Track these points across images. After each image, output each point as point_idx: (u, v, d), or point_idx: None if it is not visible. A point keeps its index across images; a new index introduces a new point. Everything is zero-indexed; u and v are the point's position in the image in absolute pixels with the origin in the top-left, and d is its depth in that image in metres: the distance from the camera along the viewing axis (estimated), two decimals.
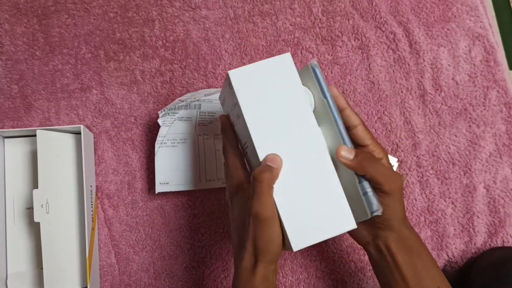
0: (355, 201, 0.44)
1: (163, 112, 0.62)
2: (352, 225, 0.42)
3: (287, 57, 0.45)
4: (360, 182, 0.44)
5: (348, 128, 0.47)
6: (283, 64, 0.45)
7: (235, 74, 0.45)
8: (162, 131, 0.62)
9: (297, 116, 0.44)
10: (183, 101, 0.62)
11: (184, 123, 0.64)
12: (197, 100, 0.63)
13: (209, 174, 0.64)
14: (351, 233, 0.49)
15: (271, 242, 0.43)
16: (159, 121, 0.62)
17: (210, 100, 0.64)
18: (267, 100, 0.44)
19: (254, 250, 0.44)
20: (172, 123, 0.63)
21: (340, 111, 0.47)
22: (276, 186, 0.43)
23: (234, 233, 0.48)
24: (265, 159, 0.43)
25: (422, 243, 0.48)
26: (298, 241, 0.42)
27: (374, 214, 0.43)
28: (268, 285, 0.44)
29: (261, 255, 0.43)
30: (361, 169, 0.44)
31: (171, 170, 0.63)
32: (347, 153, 0.44)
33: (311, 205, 0.43)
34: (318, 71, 0.46)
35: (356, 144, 0.48)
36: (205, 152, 0.64)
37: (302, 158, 0.43)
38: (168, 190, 0.62)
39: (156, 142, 0.62)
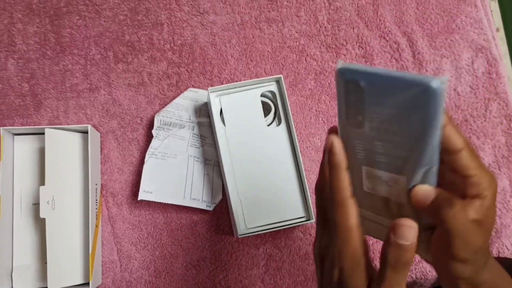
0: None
1: (159, 117, 0.65)
2: None
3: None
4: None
5: (448, 153, 0.33)
6: None
7: None
8: (154, 144, 0.65)
9: None
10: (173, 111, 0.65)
11: (178, 140, 0.66)
12: (192, 122, 0.66)
13: (194, 194, 0.66)
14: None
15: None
16: (153, 132, 0.65)
17: (203, 124, 0.67)
18: None
19: None
20: (166, 138, 0.65)
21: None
22: None
23: None
24: None
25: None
26: None
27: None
28: None
29: None
30: (434, 218, 0.34)
31: (157, 181, 0.64)
32: (424, 194, 0.34)
33: None
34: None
35: (456, 174, 0.34)
36: (194, 173, 0.66)
37: None
38: (151, 199, 0.64)
39: (147, 152, 0.64)
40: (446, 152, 0.33)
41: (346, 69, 0.31)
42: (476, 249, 0.34)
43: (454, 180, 0.35)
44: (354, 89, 0.31)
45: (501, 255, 0.66)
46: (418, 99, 0.29)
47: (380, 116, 0.31)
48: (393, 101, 0.30)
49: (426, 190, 0.34)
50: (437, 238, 0.35)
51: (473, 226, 0.33)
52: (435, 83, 0.27)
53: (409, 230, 0.32)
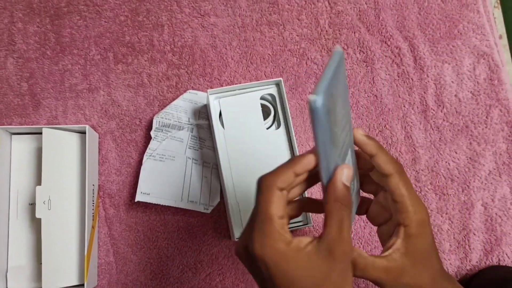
0: None
1: (158, 118, 0.65)
2: None
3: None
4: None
5: (381, 176, 0.39)
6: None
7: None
8: (152, 145, 0.64)
9: None
10: (173, 112, 0.64)
11: (176, 142, 0.66)
12: (191, 124, 0.66)
13: (192, 196, 0.65)
14: None
15: None
16: (152, 133, 0.64)
17: (202, 126, 0.66)
18: None
19: None
20: (164, 140, 0.64)
21: (370, 157, 0.38)
22: None
23: None
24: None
25: None
26: None
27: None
28: None
29: None
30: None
31: (155, 182, 0.64)
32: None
33: None
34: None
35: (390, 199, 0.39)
36: (191, 175, 0.65)
37: None
38: (148, 201, 0.63)
39: (145, 153, 0.64)
40: (380, 176, 0.38)
41: (320, 99, 0.30)
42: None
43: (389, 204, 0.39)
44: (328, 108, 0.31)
45: (501, 263, 0.65)
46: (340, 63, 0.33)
47: (340, 105, 0.34)
48: (340, 83, 0.34)
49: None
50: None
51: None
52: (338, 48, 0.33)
53: (350, 171, 0.35)
